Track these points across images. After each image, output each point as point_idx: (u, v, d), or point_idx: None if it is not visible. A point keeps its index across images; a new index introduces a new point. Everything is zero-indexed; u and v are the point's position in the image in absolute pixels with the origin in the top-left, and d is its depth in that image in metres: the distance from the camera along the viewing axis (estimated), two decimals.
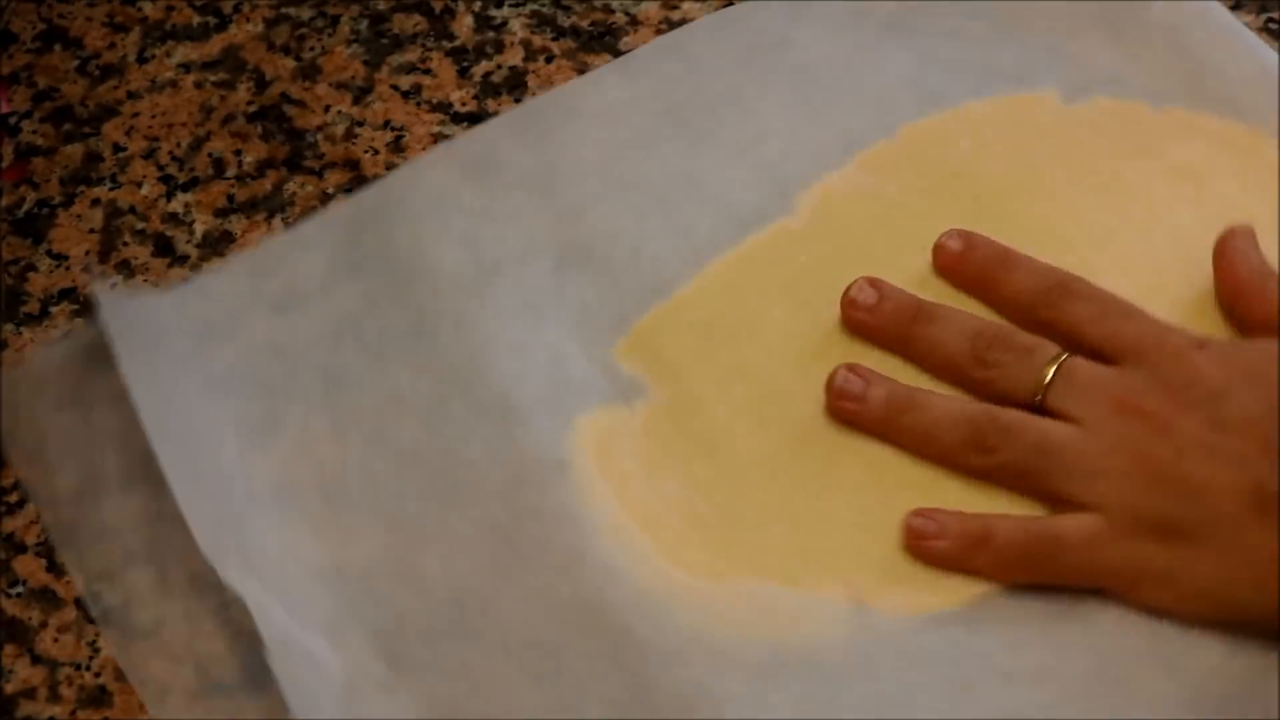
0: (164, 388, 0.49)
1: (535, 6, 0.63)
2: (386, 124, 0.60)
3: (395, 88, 0.61)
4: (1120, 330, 0.48)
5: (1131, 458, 0.46)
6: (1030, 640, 0.46)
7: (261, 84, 0.61)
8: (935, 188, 0.55)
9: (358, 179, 0.59)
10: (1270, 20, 0.60)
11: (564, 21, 0.62)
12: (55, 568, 0.50)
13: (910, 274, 0.53)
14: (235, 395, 0.51)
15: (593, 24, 0.62)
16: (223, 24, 0.63)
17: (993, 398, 0.49)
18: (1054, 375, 0.48)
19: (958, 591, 0.47)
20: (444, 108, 0.60)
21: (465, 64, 0.61)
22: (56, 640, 0.49)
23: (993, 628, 0.46)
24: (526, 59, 0.61)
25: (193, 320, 0.52)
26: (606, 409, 0.51)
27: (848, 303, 0.51)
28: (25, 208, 0.58)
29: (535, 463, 0.49)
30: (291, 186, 0.59)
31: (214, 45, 0.62)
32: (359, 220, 0.55)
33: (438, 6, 0.63)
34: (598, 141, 0.56)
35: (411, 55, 0.62)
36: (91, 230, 0.58)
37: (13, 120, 0.61)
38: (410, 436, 0.50)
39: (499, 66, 0.61)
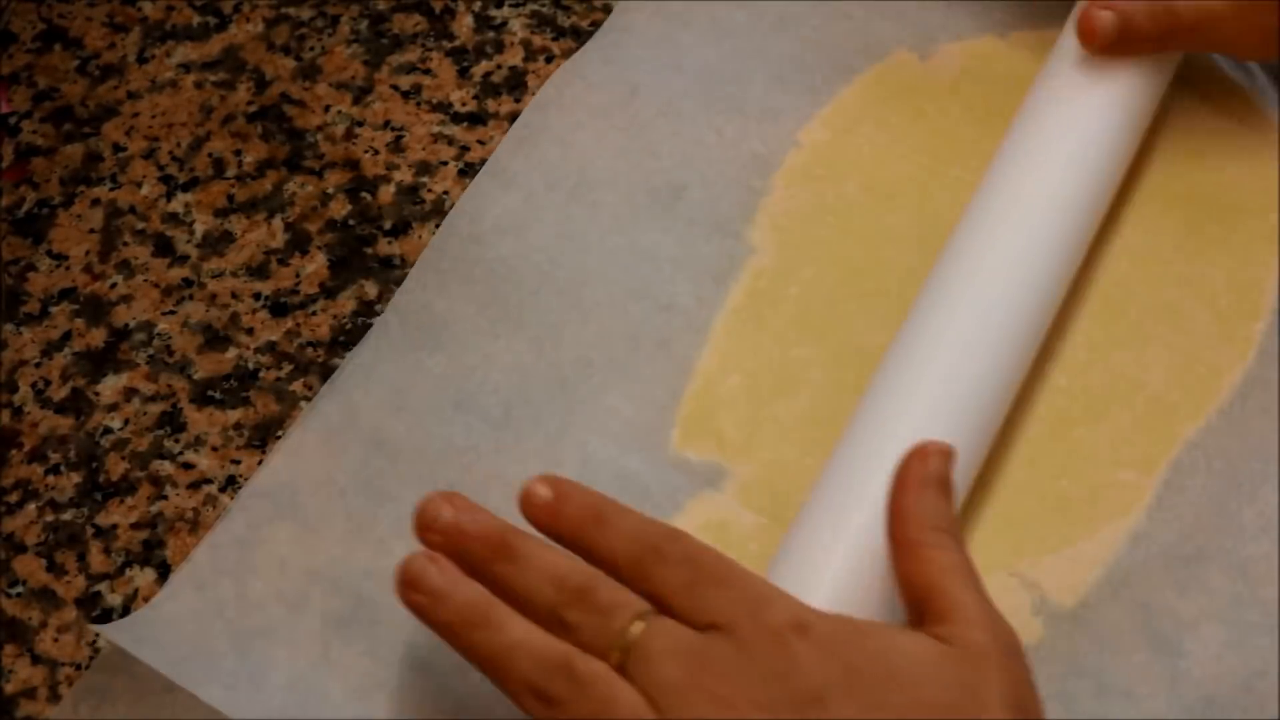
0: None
1: (535, 6, 0.63)
2: (386, 124, 0.60)
3: (395, 88, 0.61)
4: (707, 603, 0.41)
5: None
6: None
7: (261, 84, 0.61)
8: (870, 180, 0.55)
9: (358, 179, 0.58)
10: None
11: (564, 21, 0.62)
12: (55, 568, 0.50)
13: (899, 268, 0.53)
14: None
15: (592, 24, 0.62)
16: (223, 24, 0.63)
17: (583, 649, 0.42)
18: (632, 642, 0.41)
19: None
20: (444, 108, 0.60)
21: (465, 64, 0.61)
22: (56, 640, 0.49)
23: None
24: (526, 59, 0.61)
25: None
26: (699, 501, 0.50)
27: (422, 522, 0.44)
28: (25, 208, 0.58)
29: None
30: (291, 186, 0.59)
31: (214, 45, 0.62)
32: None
33: (438, 6, 0.63)
34: (535, 251, 0.55)
35: (411, 55, 0.62)
36: (91, 230, 0.58)
37: (13, 120, 0.61)
38: None
39: (499, 66, 0.61)
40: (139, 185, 0.59)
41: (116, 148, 0.60)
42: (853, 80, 0.58)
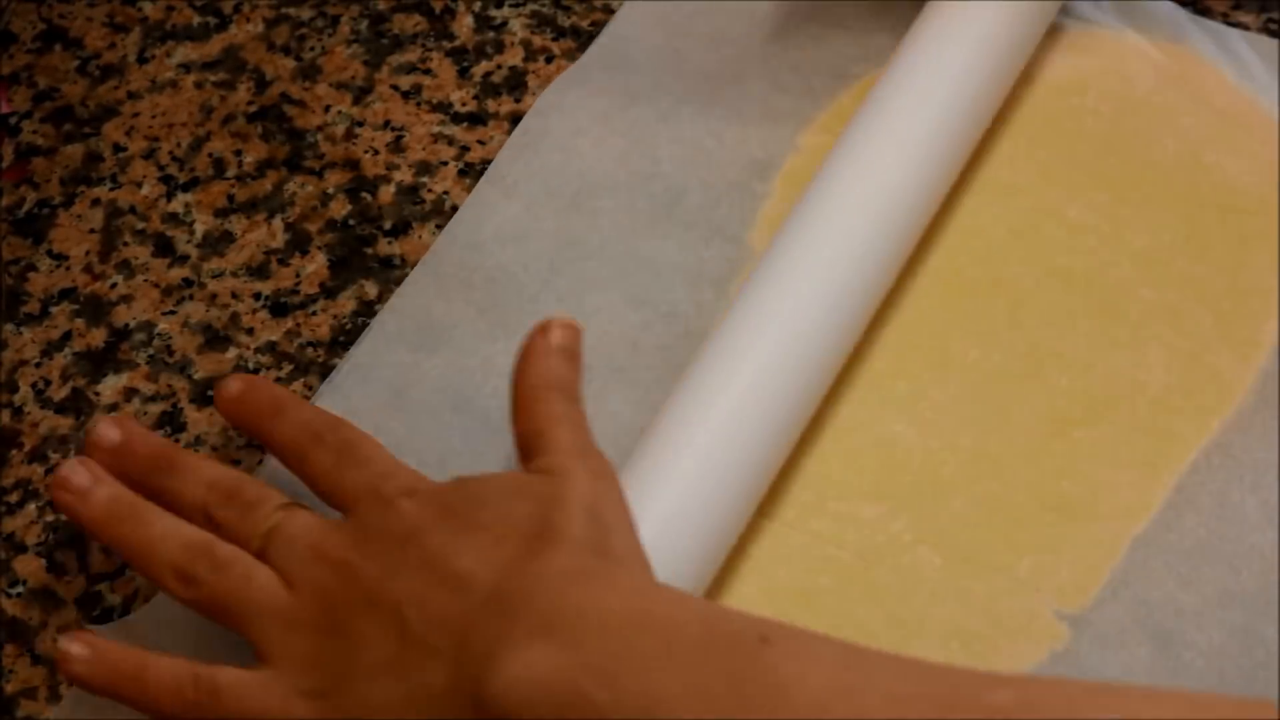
0: None
1: (535, 6, 0.63)
2: (386, 124, 0.60)
3: (395, 88, 0.61)
4: (344, 481, 0.45)
5: (313, 611, 0.43)
6: None
7: (261, 84, 0.61)
8: None
9: (358, 179, 0.58)
10: (1270, 20, 0.60)
11: (564, 21, 0.62)
12: (55, 567, 0.50)
13: (911, 268, 0.53)
14: None
15: (593, 24, 0.62)
16: (223, 24, 0.63)
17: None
18: (270, 528, 0.44)
19: None
20: (444, 108, 0.60)
21: (465, 64, 0.61)
22: (56, 640, 0.49)
23: None
24: (526, 59, 0.61)
25: None
26: None
27: (89, 446, 0.47)
28: (25, 208, 0.58)
29: None
30: (291, 186, 0.59)
31: (214, 45, 0.62)
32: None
33: (438, 6, 0.63)
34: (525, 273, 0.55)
35: (411, 55, 0.62)
36: (92, 230, 0.58)
37: (13, 120, 0.61)
38: None
39: (499, 66, 0.61)
40: (139, 185, 0.59)
41: (117, 148, 0.60)
42: (851, 85, 0.58)
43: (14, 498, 0.52)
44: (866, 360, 0.52)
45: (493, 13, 0.63)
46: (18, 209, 0.58)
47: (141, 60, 0.62)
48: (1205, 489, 0.49)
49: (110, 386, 0.54)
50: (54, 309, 0.56)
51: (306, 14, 0.63)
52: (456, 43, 0.62)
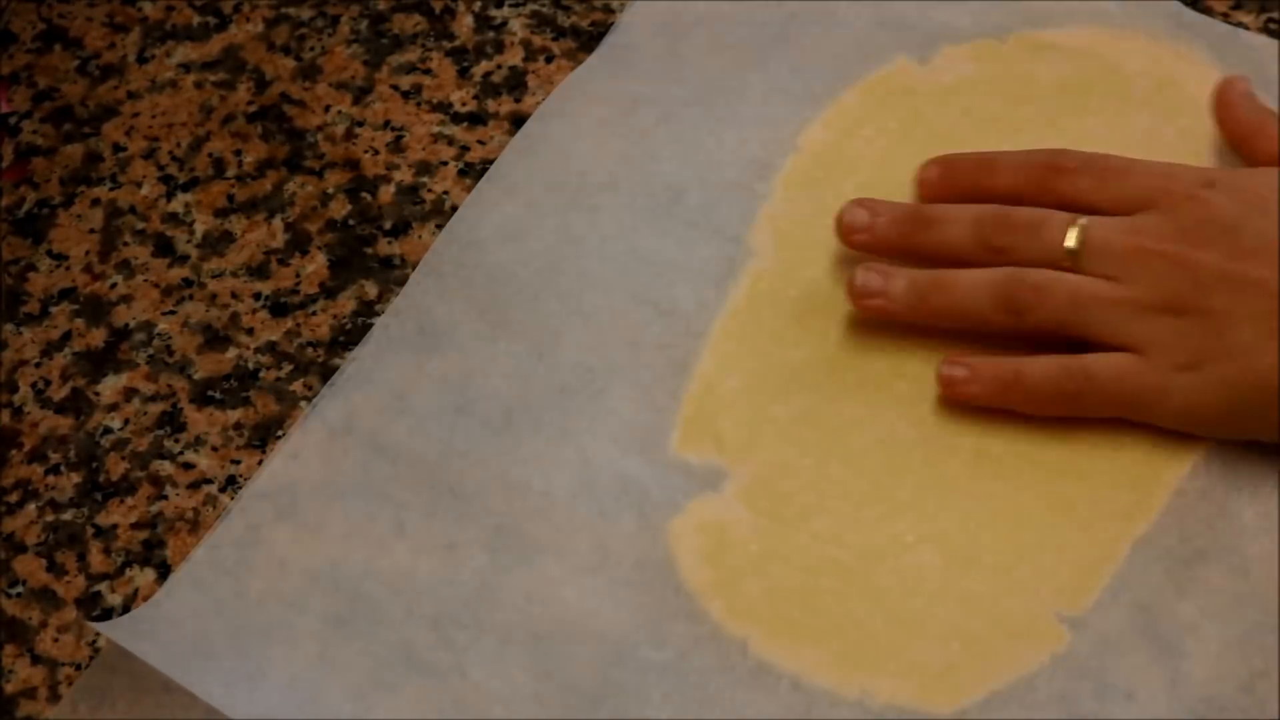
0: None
1: (535, 6, 0.63)
2: (386, 124, 0.60)
3: (395, 88, 0.61)
4: (1123, 190, 0.50)
5: (1159, 297, 0.48)
6: None
7: (261, 84, 0.61)
8: (869, 183, 0.55)
9: (358, 179, 0.58)
10: (1270, 20, 0.60)
11: (564, 21, 0.62)
12: (55, 568, 0.50)
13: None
14: None
15: (593, 24, 0.62)
16: (223, 24, 0.63)
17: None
18: (1072, 242, 0.49)
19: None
20: (444, 108, 0.60)
21: (465, 64, 0.61)
22: (56, 640, 0.49)
23: None
24: (526, 59, 0.61)
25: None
26: (699, 502, 0.50)
27: (845, 229, 0.52)
28: (25, 208, 0.58)
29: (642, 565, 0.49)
30: (291, 186, 0.59)
31: (214, 45, 0.62)
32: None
33: (438, 6, 0.63)
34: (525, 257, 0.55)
35: (411, 55, 0.62)
36: (91, 230, 0.58)
37: (13, 120, 0.61)
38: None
39: (499, 66, 0.61)
40: (139, 185, 0.59)
41: (116, 148, 0.60)
42: (852, 85, 0.58)
43: (14, 498, 0.52)
44: (867, 359, 0.52)
45: (493, 12, 0.63)
46: (18, 209, 0.58)
47: (141, 60, 0.62)
48: (1205, 491, 0.49)
49: (110, 386, 0.54)
50: (54, 309, 0.56)
51: (306, 14, 0.63)
52: (456, 43, 0.62)
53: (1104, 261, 0.49)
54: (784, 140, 0.57)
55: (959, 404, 0.50)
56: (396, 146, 0.59)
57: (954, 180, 0.53)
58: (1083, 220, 0.49)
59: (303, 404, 0.53)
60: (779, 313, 0.53)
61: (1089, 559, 0.48)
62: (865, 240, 0.52)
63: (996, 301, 0.49)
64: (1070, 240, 0.49)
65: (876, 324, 0.52)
